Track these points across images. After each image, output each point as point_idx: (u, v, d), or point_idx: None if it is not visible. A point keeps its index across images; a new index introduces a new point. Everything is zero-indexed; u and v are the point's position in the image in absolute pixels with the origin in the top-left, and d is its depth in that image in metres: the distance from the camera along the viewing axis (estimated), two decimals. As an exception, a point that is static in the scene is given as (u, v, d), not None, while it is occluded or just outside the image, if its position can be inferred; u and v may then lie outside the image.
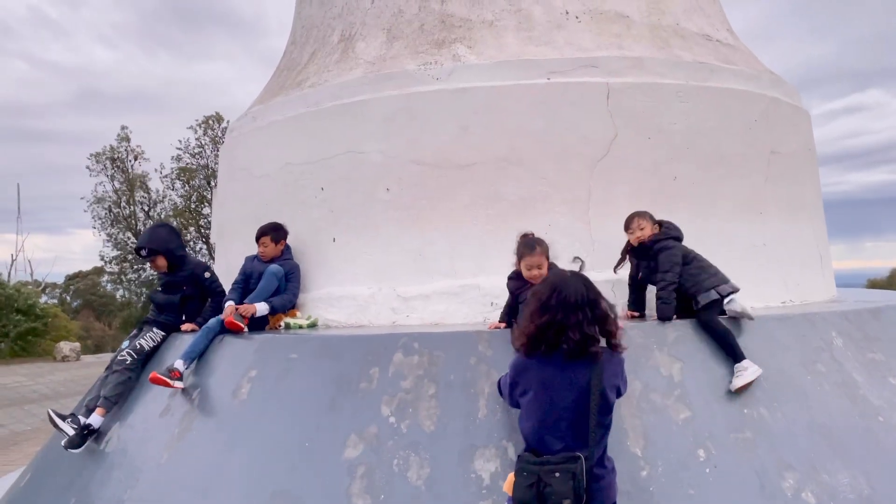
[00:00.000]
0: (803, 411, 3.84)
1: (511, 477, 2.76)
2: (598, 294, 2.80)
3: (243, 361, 4.51)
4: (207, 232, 33.12)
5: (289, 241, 5.37)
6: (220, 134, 33.07)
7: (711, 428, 3.67)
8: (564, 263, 4.64)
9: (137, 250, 5.33)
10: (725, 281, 4.14)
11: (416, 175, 4.97)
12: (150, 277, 30.83)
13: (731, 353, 3.92)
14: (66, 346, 21.09)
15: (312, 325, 5.04)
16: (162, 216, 31.11)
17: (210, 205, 33.23)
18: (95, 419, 4.73)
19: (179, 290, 5.28)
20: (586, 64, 4.98)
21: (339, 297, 5.09)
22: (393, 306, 4.90)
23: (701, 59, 5.38)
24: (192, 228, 32.09)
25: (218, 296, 5.34)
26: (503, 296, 4.72)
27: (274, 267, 5.04)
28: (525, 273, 3.91)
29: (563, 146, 4.85)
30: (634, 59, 5.08)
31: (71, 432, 4.69)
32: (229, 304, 4.98)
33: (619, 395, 2.83)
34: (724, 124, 5.20)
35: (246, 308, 4.81)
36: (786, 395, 3.88)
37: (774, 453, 3.60)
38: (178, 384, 4.50)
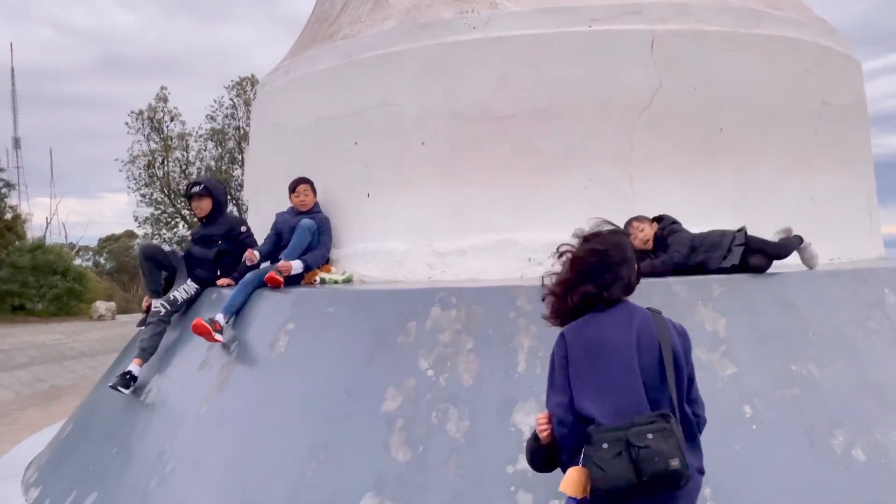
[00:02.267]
0: (854, 369, 3.72)
1: (573, 473, 2.15)
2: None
3: (280, 315, 4.50)
4: (238, 193, 33.39)
5: (323, 196, 5.32)
6: (252, 97, 33.03)
7: (758, 384, 3.57)
8: (610, 217, 4.52)
9: (192, 185, 5.35)
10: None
11: (452, 128, 4.86)
12: (185, 236, 31.21)
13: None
14: (101, 306, 21.57)
15: (348, 281, 5.01)
16: (195, 177, 31.38)
17: (241, 166, 33.45)
18: (134, 368, 4.80)
19: (215, 244, 5.28)
20: (629, 10, 4.78)
21: (375, 252, 5.04)
22: (428, 262, 4.84)
23: (749, 5, 5.14)
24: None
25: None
26: (541, 251, 4.63)
27: (306, 221, 5.00)
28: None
29: (605, 97, 4.69)
30: (679, 4, 4.87)
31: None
32: (253, 252, 4.99)
33: (687, 361, 2.33)
34: (773, 74, 4.98)
35: (284, 266, 4.79)
36: (836, 352, 3.76)
37: (823, 410, 3.50)
38: (219, 337, 4.51)
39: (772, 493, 3.21)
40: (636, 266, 2.41)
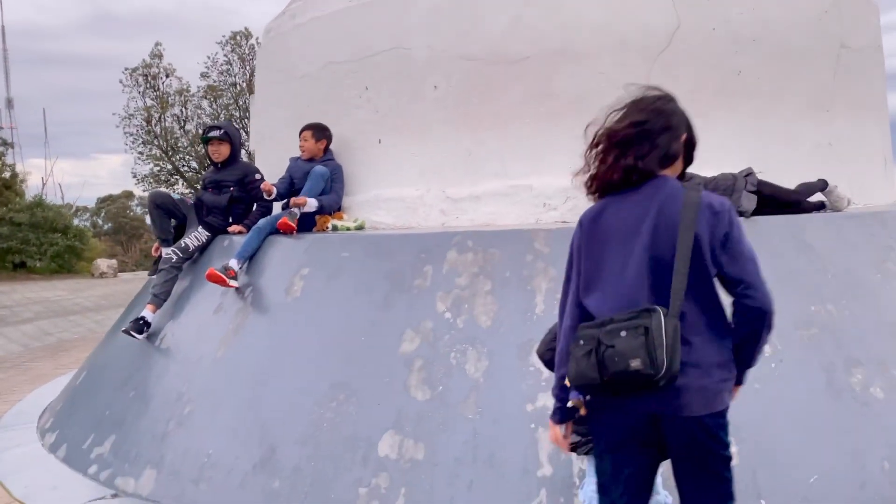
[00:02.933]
0: (872, 309, 3.73)
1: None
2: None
3: (294, 261, 4.49)
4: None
5: (335, 142, 5.26)
6: (247, 51, 32.52)
7: (777, 324, 3.52)
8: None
9: (211, 129, 5.32)
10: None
11: (464, 71, 4.77)
12: (185, 194, 31.12)
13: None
14: (103, 263, 21.60)
15: (360, 228, 4.98)
16: (191, 136, 31.09)
17: (238, 122, 33.12)
18: (147, 314, 4.80)
19: (227, 190, 5.24)
20: (647, -51, 4.66)
21: (387, 199, 5.00)
22: (442, 208, 4.81)
23: (769, -55, 5.00)
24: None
25: (264, 199, 5.29)
26: (556, 197, 4.62)
27: (320, 168, 4.96)
28: None
29: (622, 38, 4.59)
30: (699, -57, 4.73)
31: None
32: (270, 184, 4.98)
33: (723, 244, 2.01)
34: (791, 14, 4.87)
35: (299, 199, 4.78)
36: (854, 293, 3.76)
37: (842, 350, 3.51)
38: (234, 283, 4.51)
39: (792, 430, 3.24)
40: (685, 136, 2.17)
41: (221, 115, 31.98)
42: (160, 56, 30.10)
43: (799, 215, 4.10)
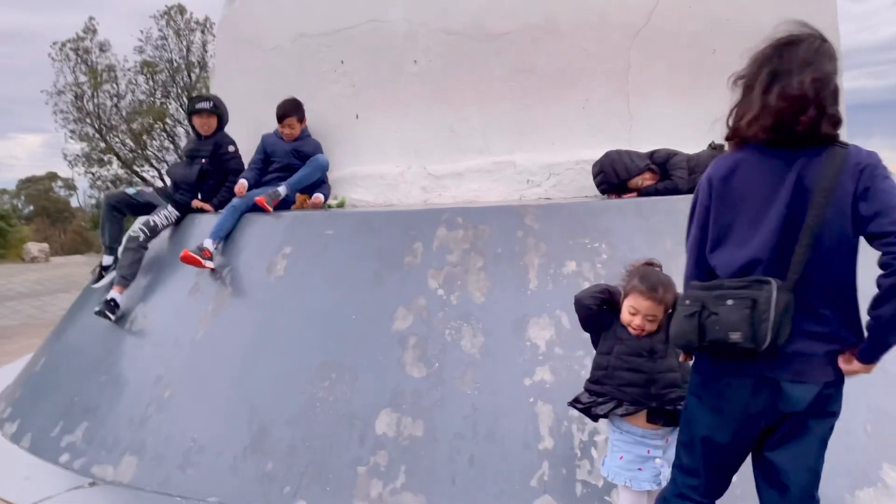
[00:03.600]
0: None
1: None
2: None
3: (274, 239, 4.37)
4: (174, 129, 32.00)
5: (308, 117, 5.12)
6: (182, 26, 31.33)
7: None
8: (607, 139, 4.53)
9: (198, 100, 5.13)
10: None
11: (445, 45, 4.71)
12: (120, 175, 30.04)
13: None
14: (34, 247, 20.68)
15: (341, 205, 4.88)
16: (125, 113, 29.85)
17: (176, 100, 31.94)
18: (116, 295, 4.61)
19: (199, 162, 5.06)
20: (627, -74, 4.67)
21: (365, 176, 4.92)
22: (423, 185, 4.76)
23: (741, -74, 5.09)
24: (157, 126, 30.92)
25: (235, 174, 5.13)
26: (539, 173, 4.63)
27: (323, 160, 4.82)
28: (625, 316, 2.66)
29: (602, 14, 4.61)
30: (676, -78, 4.78)
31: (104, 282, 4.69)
32: (241, 182, 4.79)
33: (864, 197, 1.88)
34: (763, -5, 4.99)
35: (317, 200, 4.78)
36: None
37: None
38: (210, 264, 4.36)
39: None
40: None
41: (158, 92, 30.88)
42: (94, 31, 28.74)
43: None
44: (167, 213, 4.93)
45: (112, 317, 4.55)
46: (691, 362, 2.28)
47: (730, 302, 1.93)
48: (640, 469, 2.69)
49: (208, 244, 4.43)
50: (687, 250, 2.19)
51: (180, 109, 32.07)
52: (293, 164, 4.94)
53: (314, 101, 5.15)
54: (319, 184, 4.90)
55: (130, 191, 5.17)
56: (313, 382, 3.67)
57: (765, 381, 2.00)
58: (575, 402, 2.78)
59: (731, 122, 2.09)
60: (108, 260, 4.94)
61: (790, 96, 1.92)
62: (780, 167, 1.98)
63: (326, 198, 4.90)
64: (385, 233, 4.05)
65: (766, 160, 2.00)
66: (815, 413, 2.00)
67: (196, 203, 4.99)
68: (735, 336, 1.89)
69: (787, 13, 5.18)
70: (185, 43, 31.84)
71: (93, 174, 30.46)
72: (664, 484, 2.68)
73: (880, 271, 1.82)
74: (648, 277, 2.66)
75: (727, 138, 2.11)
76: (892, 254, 1.79)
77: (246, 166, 5.06)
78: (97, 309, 4.56)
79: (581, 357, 3.44)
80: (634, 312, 2.64)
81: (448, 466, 3.29)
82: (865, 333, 1.93)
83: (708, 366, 2.11)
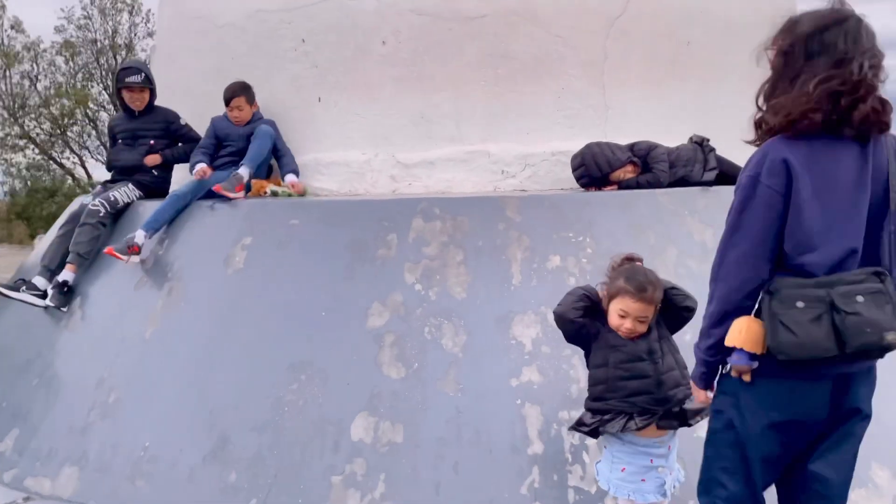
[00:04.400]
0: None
1: (751, 324, 1.87)
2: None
3: (231, 229, 4.03)
4: (97, 114, 30.40)
5: (264, 98, 4.78)
6: (109, 6, 29.77)
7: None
8: (582, 130, 4.39)
9: (127, 71, 4.69)
10: None
11: (416, 27, 4.46)
12: (36, 160, 28.32)
13: None
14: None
15: (302, 194, 4.55)
16: (43, 97, 28.14)
17: (100, 83, 30.34)
18: (68, 276, 4.16)
19: (145, 143, 4.66)
20: (605, -89, 4.54)
21: (329, 163, 4.62)
22: (392, 174, 4.50)
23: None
24: (78, 111, 29.28)
25: (194, 143, 4.75)
26: (514, 164, 4.46)
27: (266, 128, 4.48)
28: (613, 320, 2.51)
29: (580, 1, 4.46)
30: None
31: (34, 300, 4.14)
32: (201, 166, 4.43)
33: None
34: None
35: (298, 186, 4.46)
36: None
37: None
38: (134, 258, 3.98)
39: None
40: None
41: (80, 75, 29.28)
42: (3, 7, 26.95)
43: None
44: (128, 189, 4.52)
45: (65, 308, 4.10)
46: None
47: (860, 298, 1.73)
48: (643, 480, 2.54)
49: (139, 238, 4.04)
50: (737, 244, 1.92)
51: (104, 93, 30.54)
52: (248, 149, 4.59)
53: (271, 82, 4.81)
54: (280, 155, 4.60)
55: (87, 199, 4.61)
56: (280, 385, 3.39)
57: (842, 378, 1.86)
58: (579, 426, 2.59)
59: (773, 109, 1.92)
60: (39, 282, 4.29)
61: (852, 83, 1.80)
62: (854, 155, 1.86)
63: (292, 171, 4.60)
64: (356, 223, 3.79)
65: (838, 148, 1.86)
66: (864, 413, 1.92)
67: (149, 159, 4.60)
68: (891, 336, 1.71)
69: (757, 5, 5.18)
70: (111, 24, 30.32)
71: (6, 160, 28.62)
72: (668, 494, 2.54)
73: None
74: (635, 277, 2.49)
75: (772, 129, 1.92)
76: None
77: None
78: (50, 303, 4.06)
79: (569, 356, 3.28)
80: (624, 315, 2.47)
81: (431, 474, 3.07)
82: None
83: (772, 373, 1.88)
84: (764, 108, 1.98)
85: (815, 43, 1.87)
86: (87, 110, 29.40)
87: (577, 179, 4.13)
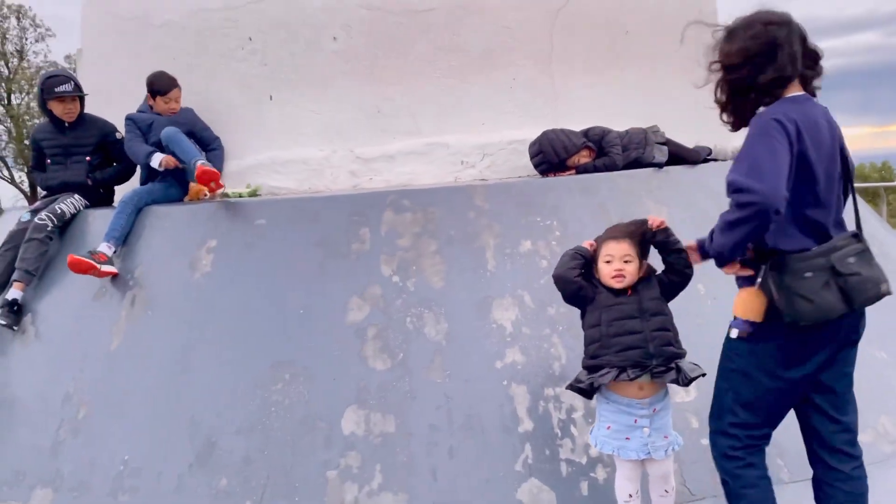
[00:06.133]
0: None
1: (752, 295, 2.12)
2: None
3: (193, 232, 3.94)
4: (8, 126, 28.62)
5: (211, 99, 4.67)
6: (7, 11, 28.07)
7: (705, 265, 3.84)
8: (535, 118, 4.51)
9: (54, 79, 4.40)
10: None
11: (366, 21, 4.46)
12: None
13: None
14: None
15: (254, 194, 4.47)
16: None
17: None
18: (16, 294, 3.95)
19: (80, 158, 4.45)
20: None
21: (286, 161, 4.56)
22: (351, 169, 4.50)
23: None
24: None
25: (128, 163, 4.58)
26: (472, 154, 4.55)
27: (170, 130, 4.23)
28: (603, 270, 2.69)
29: (524, -7, 4.59)
30: None
31: None
32: (163, 156, 4.20)
33: None
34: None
35: (167, 160, 4.22)
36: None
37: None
38: (109, 268, 3.82)
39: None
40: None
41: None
42: None
43: (702, 165, 4.43)
44: (74, 200, 4.31)
45: (16, 326, 3.89)
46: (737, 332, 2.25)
47: (852, 259, 2.00)
48: (627, 438, 2.69)
49: (103, 248, 3.89)
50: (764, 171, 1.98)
51: (-1, 104, 28.75)
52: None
53: (216, 81, 4.70)
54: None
55: (26, 216, 4.32)
56: (264, 386, 3.35)
57: (843, 323, 2.10)
58: (575, 383, 2.73)
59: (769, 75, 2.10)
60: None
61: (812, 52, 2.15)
62: (823, 116, 2.13)
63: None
64: (326, 219, 3.77)
65: (816, 110, 2.13)
66: (856, 338, 2.21)
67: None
68: (885, 287, 2.03)
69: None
70: (0, 31, 28.52)
71: None
72: (653, 455, 2.69)
73: None
74: (612, 226, 2.81)
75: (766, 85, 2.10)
76: None
77: None
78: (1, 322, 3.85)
79: (548, 335, 3.41)
80: (609, 260, 2.68)
81: (427, 460, 3.12)
82: None
83: (781, 336, 2.13)
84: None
85: (787, 29, 2.12)
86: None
87: (536, 166, 4.25)
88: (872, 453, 2.95)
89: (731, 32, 2.15)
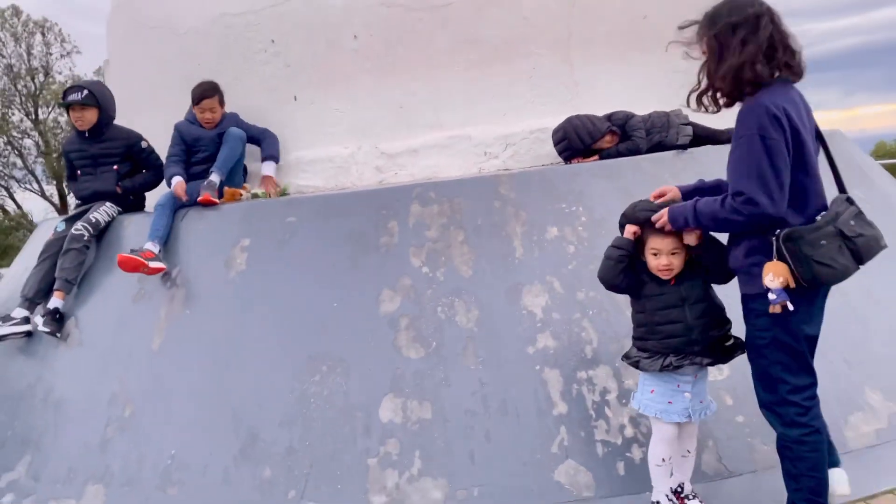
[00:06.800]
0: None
1: (779, 266, 2.24)
2: None
3: (227, 233, 4.04)
4: (21, 140, 29.19)
5: (236, 102, 4.76)
6: (20, 29, 28.62)
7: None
8: (556, 106, 4.54)
9: (71, 90, 4.48)
10: None
11: (386, 19, 4.53)
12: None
13: None
14: None
15: (283, 194, 4.56)
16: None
17: (20, 108, 29.11)
18: (58, 303, 4.09)
19: (108, 169, 4.56)
20: None
21: (312, 160, 4.65)
22: (377, 165, 4.57)
23: None
24: (0, 140, 28.06)
25: (156, 170, 4.69)
26: (495, 145, 4.59)
27: (235, 130, 4.45)
28: (651, 262, 2.74)
29: (542, -18, 4.61)
30: None
31: (17, 329, 4.06)
32: (178, 180, 4.34)
33: None
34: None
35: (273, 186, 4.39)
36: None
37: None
38: (158, 264, 3.93)
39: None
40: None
41: (-1, 103, 28.07)
42: None
43: (725, 146, 4.42)
44: (107, 208, 4.44)
45: (59, 333, 4.02)
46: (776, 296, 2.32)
47: (853, 222, 2.23)
48: (670, 402, 2.75)
49: (149, 246, 4.01)
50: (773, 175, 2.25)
51: (26, 119, 29.33)
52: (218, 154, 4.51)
53: (242, 85, 4.80)
54: (264, 150, 4.59)
55: (60, 225, 4.47)
56: (302, 378, 3.44)
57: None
58: (625, 357, 2.86)
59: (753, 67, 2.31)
60: (18, 312, 4.20)
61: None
62: (798, 95, 2.38)
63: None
64: (354, 214, 3.85)
65: (791, 92, 2.36)
66: None
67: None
68: (883, 241, 2.28)
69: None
70: (24, 46, 29.10)
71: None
72: (693, 418, 2.74)
73: None
74: (639, 202, 2.86)
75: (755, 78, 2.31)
76: None
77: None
78: (45, 329, 3.97)
79: (579, 319, 3.45)
80: (657, 253, 2.71)
81: (464, 445, 3.19)
82: None
83: (803, 301, 2.30)
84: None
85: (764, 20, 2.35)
86: (10, 138, 28.22)
87: (560, 153, 4.29)
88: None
89: (715, 16, 2.44)
